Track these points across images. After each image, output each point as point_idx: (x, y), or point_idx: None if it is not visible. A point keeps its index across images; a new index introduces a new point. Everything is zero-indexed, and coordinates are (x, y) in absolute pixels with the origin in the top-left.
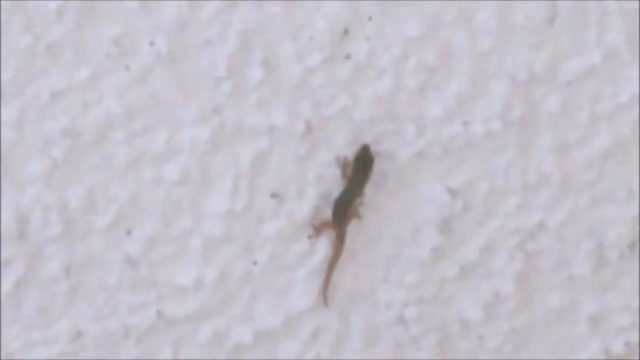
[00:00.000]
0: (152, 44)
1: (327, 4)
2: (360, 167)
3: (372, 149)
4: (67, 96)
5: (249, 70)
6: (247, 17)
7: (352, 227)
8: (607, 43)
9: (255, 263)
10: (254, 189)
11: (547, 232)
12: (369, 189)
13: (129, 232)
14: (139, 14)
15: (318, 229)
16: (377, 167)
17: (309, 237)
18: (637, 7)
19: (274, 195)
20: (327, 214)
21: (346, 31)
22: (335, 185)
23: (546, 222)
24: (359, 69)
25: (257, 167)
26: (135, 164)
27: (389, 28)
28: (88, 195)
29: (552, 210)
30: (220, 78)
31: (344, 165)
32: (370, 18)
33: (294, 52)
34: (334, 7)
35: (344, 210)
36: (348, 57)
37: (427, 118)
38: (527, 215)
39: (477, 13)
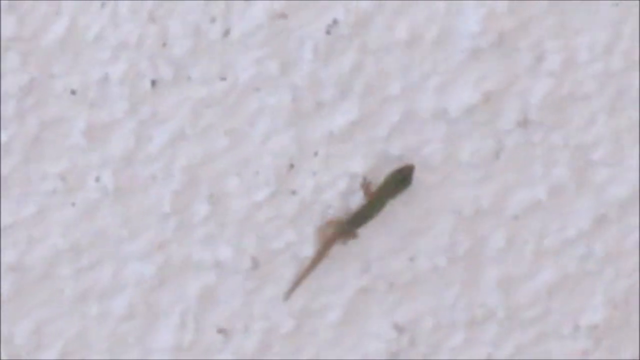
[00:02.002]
0: (97, 179)
1: (273, 138)
2: (393, 183)
3: (414, 175)
4: (14, 231)
5: (194, 206)
6: (193, 152)
7: None
8: (552, 177)
9: None
10: (201, 324)
11: None
12: None
13: None
14: (85, 149)
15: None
16: (321, 301)
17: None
18: (583, 142)
19: (220, 331)
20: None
21: (292, 166)
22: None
23: (493, 357)
24: (304, 204)
25: (203, 302)
26: (82, 299)
27: (334, 163)
28: (34, 331)
29: (498, 346)
30: (166, 213)
31: (366, 184)
32: (316, 153)
33: (240, 187)
34: (279, 142)
35: (363, 221)
36: (294, 192)
37: (372, 253)
38: (474, 351)
39: (422, 147)
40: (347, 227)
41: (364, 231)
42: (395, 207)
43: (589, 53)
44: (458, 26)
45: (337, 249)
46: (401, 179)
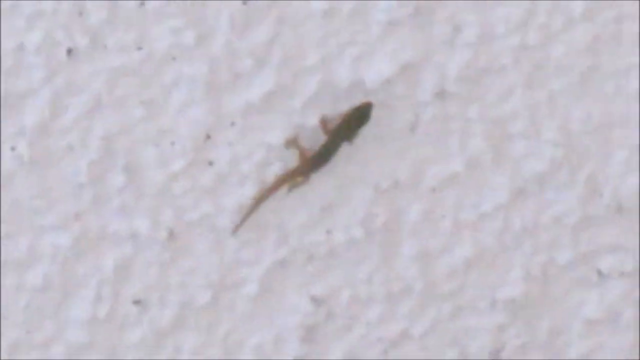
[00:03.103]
0: (13, 149)
1: (190, 109)
2: (353, 121)
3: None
4: None
5: (110, 176)
6: (109, 122)
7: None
8: (469, 150)
9: None
10: (117, 296)
11: (410, 340)
12: None
13: None
14: (0, 118)
15: (290, 143)
16: (238, 274)
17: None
18: (500, 115)
19: (136, 302)
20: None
21: (208, 137)
22: None
23: (409, 331)
24: (221, 175)
25: (119, 273)
26: None
27: (251, 134)
28: None
29: (415, 319)
30: (82, 184)
31: (324, 122)
32: (232, 124)
33: (156, 157)
34: (196, 113)
35: (324, 161)
36: (210, 163)
37: (290, 226)
38: (391, 324)
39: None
40: (305, 167)
41: (281, 204)
42: (312, 180)
43: (505, 26)
44: None
45: (254, 220)
46: (359, 115)
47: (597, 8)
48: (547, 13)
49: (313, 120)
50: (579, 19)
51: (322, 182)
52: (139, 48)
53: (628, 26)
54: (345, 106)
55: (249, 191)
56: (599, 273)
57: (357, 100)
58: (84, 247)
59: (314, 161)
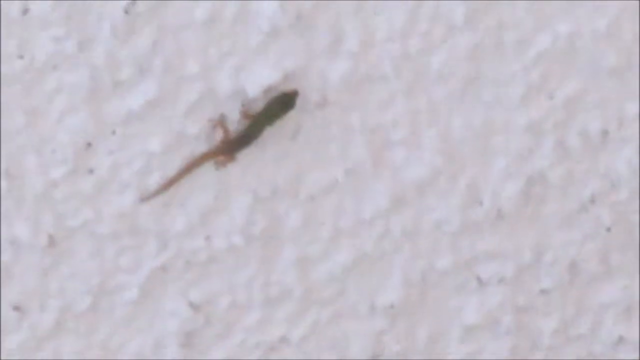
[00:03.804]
0: None
1: (71, 117)
2: (276, 106)
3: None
4: None
5: None
6: None
7: None
8: (349, 158)
9: None
10: None
11: (289, 345)
12: None
13: None
14: None
15: (215, 125)
16: (117, 279)
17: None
18: (380, 123)
19: (16, 308)
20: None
21: (89, 145)
22: None
23: (288, 336)
24: (101, 182)
25: None
26: None
27: (132, 142)
28: None
29: (294, 325)
30: None
31: (245, 110)
32: (113, 132)
33: (37, 164)
34: (77, 121)
35: (244, 144)
36: (91, 171)
37: (169, 232)
38: (269, 329)
39: (218, 127)
40: (227, 147)
41: (161, 210)
42: (192, 186)
43: (387, 34)
44: (257, 6)
45: (133, 226)
46: (285, 101)
47: (478, 16)
48: (428, 20)
49: (194, 129)
50: (460, 27)
51: (202, 188)
52: (21, 57)
53: (508, 34)
54: (226, 113)
55: (129, 199)
56: (479, 279)
57: (237, 109)
58: None
59: (236, 141)
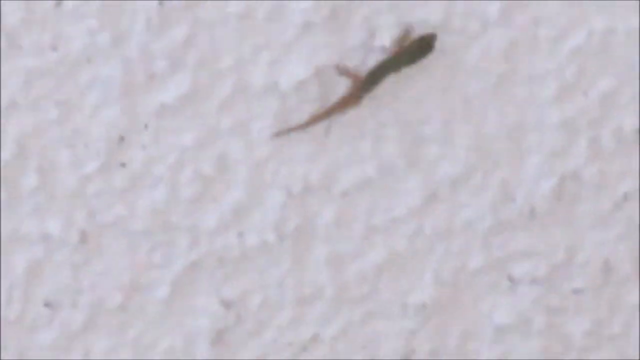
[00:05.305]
0: None
1: (104, 111)
2: (415, 47)
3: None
4: None
5: (23, 177)
6: (23, 122)
7: None
8: (382, 154)
9: None
10: (28, 298)
11: (321, 345)
12: None
13: None
14: None
15: (341, 70)
16: (149, 276)
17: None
18: (413, 119)
19: (47, 304)
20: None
21: (122, 139)
22: None
23: (320, 335)
24: (134, 177)
25: (31, 275)
26: None
27: (165, 136)
28: None
29: (326, 324)
30: None
31: (401, 37)
32: (146, 126)
33: (70, 159)
34: (110, 114)
35: (375, 81)
36: (123, 165)
37: (201, 228)
38: (301, 328)
39: (252, 122)
40: (364, 83)
41: (193, 206)
42: (225, 181)
43: (421, 30)
44: (291, 1)
45: (166, 222)
46: (424, 44)
47: (513, 12)
48: (463, 17)
49: (227, 123)
50: (495, 23)
51: (235, 184)
52: (54, 49)
53: (543, 31)
54: (259, 108)
55: (162, 193)
56: (511, 278)
57: (272, 102)
58: None
59: (368, 79)
